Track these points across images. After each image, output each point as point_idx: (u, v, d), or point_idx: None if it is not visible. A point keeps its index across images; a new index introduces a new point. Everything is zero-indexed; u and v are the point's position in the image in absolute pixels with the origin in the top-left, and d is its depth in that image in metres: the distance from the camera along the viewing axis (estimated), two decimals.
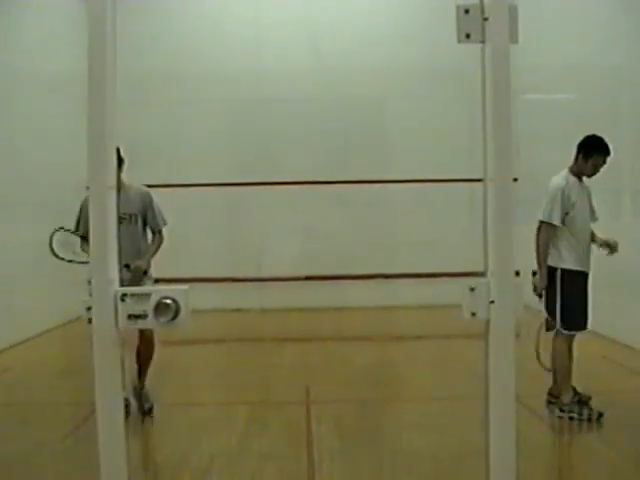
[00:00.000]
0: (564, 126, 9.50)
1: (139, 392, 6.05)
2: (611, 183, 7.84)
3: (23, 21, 9.64)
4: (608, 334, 8.22)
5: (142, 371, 6.14)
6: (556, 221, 5.92)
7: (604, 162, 6.01)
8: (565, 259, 6.01)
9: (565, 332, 5.98)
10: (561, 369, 6.04)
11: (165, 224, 6.22)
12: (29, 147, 9.44)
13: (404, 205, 11.90)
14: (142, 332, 5.86)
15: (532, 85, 9.71)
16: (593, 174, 6.06)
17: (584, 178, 6.12)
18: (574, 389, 6.07)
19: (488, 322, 2.19)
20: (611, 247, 6.14)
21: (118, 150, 4.98)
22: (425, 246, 11.70)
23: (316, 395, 6.90)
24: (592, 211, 6.16)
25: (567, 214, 5.97)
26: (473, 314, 2.20)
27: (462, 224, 10.64)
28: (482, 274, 2.20)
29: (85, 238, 5.49)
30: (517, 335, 2.18)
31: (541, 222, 5.99)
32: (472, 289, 2.19)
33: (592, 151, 5.98)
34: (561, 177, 6.06)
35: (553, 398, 6.22)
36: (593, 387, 6.16)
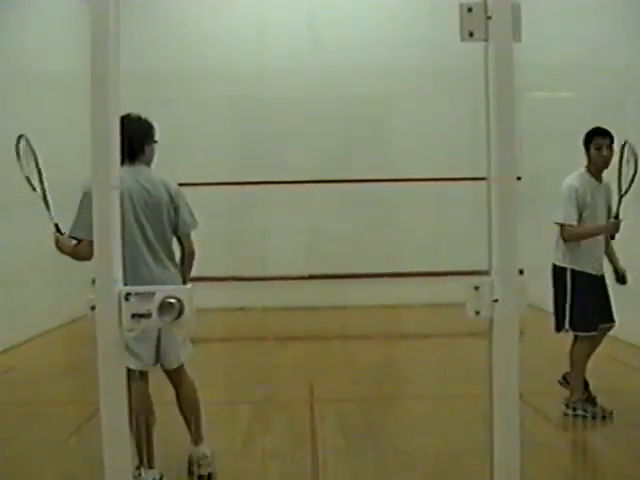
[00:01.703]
0: (568, 124, 9.49)
1: (195, 455, 4.87)
2: (615, 182, 7.82)
3: (24, 20, 9.64)
4: (613, 333, 8.22)
5: (192, 425, 4.94)
6: (574, 221, 5.84)
7: (610, 148, 5.92)
8: (576, 260, 5.96)
9: (581, 333, 5.97)
10: (576, 369, 6.03)
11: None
12: (34, 146, 9.42)
13: (408, 204, 11.88)
14: (172, 378, 4.92)
15: (535, 83, 9.70)
16: (604, 163, 5.96)
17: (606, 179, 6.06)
18: (586, 387, 6.09)
19: (492, 321, 2.19)
20: (621, 279, 6.16)
21: (148, 124, 4.85)
22: (429, 245, 11.69)
23: (320, 394, 6.91)
24: (609, 214, 6.02)
25: (581, 215, 5.89)
26: (477, 313, 2.19)
27: (466, 223, 10.59)
28: (486, 273, 2.20)
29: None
30: (521, 333, 2.18)
31: (560, 225, 5.89)
32: (476, 288, 2.19)
33: (591, 138, 5.94)
34: (574, 177, 5.97)
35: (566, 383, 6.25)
36: (598, 385, 6.15)
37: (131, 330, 2.10)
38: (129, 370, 4.39)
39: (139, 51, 10.06)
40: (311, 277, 11.76)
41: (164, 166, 11.35)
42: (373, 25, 12.11)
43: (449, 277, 10.81)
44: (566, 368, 6.18)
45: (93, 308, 2.14)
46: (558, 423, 5.96)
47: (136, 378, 4.53)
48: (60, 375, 7.56)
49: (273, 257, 11.88)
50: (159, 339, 4.65)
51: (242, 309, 11.36)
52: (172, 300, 2.16)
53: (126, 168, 4.65)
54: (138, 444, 4.52)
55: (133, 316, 2.15)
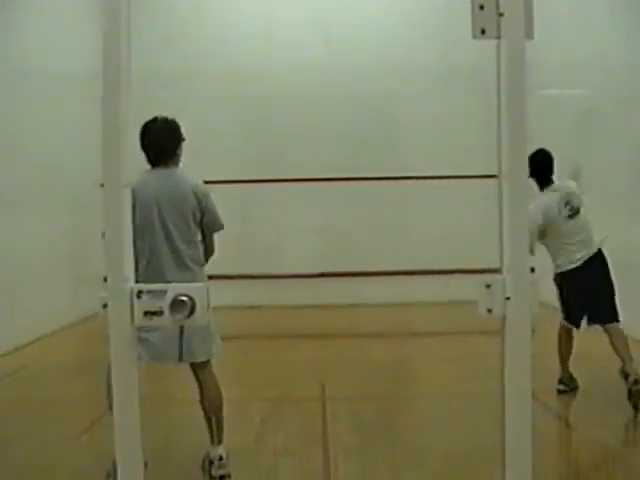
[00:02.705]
0: (578, 122, 9.46)
1: (211, 455, 4.81)
2: (627, 180, 7.80)
3: (36, 19, 9.67)
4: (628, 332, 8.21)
5: (213, 424, 4.88)
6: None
7: None
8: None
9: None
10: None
11: None
12: (44, 146, 9.46)
13: (419, 202, 11.88)
14: (196, 374, 4.95)
15: (545, 81, 9.67)
16: None
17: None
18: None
19: (504, 319, 2.18)
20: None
21: (176, 125, 4.89)
22: (440, 243, 11.67)
23: (332, 392, 6.91)
24: None
25: None
26: (489, 311, 2.19)
27: (477, 220, 10.59)
28: (497, 270, 2.20)
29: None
30: (532, 331, 2.18)
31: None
32: (488, 286, 2.18)
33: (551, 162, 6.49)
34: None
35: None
36: (611, 384, 6.15)
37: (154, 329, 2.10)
38: None
39: (146, 51, 10.06)
40: (323, 275, 11.77)
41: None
42: (385, 23, 12.08)
43: (461, 275, 10.79)
44: (576, 367, 6.29)
45: (105, 306, 2.15)
46: (569, 421, 5.96)
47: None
48: (72, 373, 7.58)
49: (285, 255, 11.90)
50: (182, 335, 4.66)
51: (254, 307, 11.37)
52: (184, 298, 2.16)
53: (155, 171, 4.71)
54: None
55: (145, 314, 2.16)
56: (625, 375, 5.98)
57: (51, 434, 5.63)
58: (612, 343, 6.14)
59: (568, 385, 6.48)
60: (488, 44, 2.18)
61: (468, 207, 11.56)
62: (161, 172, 4.71)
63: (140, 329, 4.47)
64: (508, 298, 2.16)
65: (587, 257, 6.27)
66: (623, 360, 6.02)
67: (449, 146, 11.87)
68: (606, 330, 6.20)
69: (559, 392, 6.45)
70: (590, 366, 6.73)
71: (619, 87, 8.76)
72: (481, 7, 2.17)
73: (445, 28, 9.97)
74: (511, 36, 2.13)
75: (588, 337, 6.46)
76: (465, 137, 11.56)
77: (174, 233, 4.66)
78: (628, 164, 8.07)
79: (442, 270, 11.66)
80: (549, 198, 6.31)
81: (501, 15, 2.14)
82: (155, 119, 4.75)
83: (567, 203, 6.37)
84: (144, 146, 4.70)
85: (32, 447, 5.36)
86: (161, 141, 4.73)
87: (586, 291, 6.23)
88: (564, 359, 6.49)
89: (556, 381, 6.48)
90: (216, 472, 4.74)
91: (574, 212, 6.34)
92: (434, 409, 6.45)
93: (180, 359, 4.74)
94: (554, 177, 6.38)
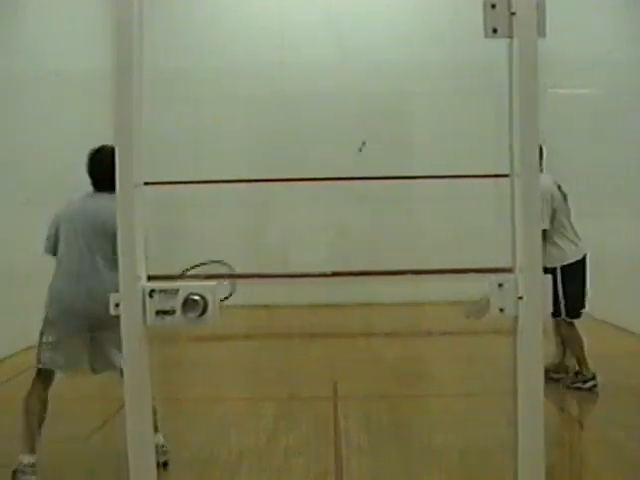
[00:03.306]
0: (589, 120, 9.43)
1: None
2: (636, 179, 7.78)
3: (49, 20, 9.69)
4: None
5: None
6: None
7: None
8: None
9: None
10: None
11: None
12: (57, 146, 9.48)
13: (431, 201, 11.85)
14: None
15: (554, 80, 9.65)
16: None
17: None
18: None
19: (516, 318, 2.18)
20: None
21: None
22: (452, 242, 11.65)
23: (344, 391, 6.91)
24: None
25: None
26: (501, 310, 2.19)
27: (489, 220, 10.57)
28: (510, 270, 2.20)
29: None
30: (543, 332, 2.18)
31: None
32: (500, 285, 2.18)
33: None
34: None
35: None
36: (625, 382, 6.14)
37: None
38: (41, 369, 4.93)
39: (162, 49, 10.10)
40: (335, 274, 11.76)
41: (188, 164, 11.40)
42: (397, 22, 12.07)
43: (473, 274, 10.75)
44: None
45: (118, 305, 2.15)
46: (581, 419, 5.94)
47: (43, 377, 4.99)
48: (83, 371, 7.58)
49: (297, 254, 11.90)
50: (95, 348, 4.89)
51: (266, 306, 11.38)
52: (196, 297, 2.17)
53: (99, 195, 5.07)
54: (29, 433, 4.80)
55: (157, 313, 2.16)
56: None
57: (63, 432, 5.64)
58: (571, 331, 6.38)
59: (595, 379, 6.42)
60: (500, 43, 2.17)
61: (480, 206, 11.54)
62: (105, 196, 4.87)
63: (47, 346, 5.01)
64: (520, 298, 2.16)
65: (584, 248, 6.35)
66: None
67: (461, 145, 11.85)
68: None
69: (592, 388, 6.40)
70: (601, 365, 6.72)
71: (628, 85, 8.74)
72: (493, 6, 2.16)
73: (456, 27, 9.95)
74: (523, 35, 2.12)
75: (594, 335, 6.50)
76: (477, 136, 11.54)
77: (96, 251, 5.06)
78: (637, 162, 8.05)
79: (454, 269, 11.62)
80: (548, 178, 6.32)
81: (513, 14, 2.14)
82: (104, 147, 4.99)
83: (559, 187, 6.42)
84: (93, 171, 5.15)
85: (44, 446, 5.37)
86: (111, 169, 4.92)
87: (584, 280, 6.35)
88: (582, 357, 6.46)
89: (579, 380, 6.48)
90: (161, 458, 4.79)
91: (565, 196, 6.35)
92: (446, 408, 6.44)
93: (95, 371, 4.95)
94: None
